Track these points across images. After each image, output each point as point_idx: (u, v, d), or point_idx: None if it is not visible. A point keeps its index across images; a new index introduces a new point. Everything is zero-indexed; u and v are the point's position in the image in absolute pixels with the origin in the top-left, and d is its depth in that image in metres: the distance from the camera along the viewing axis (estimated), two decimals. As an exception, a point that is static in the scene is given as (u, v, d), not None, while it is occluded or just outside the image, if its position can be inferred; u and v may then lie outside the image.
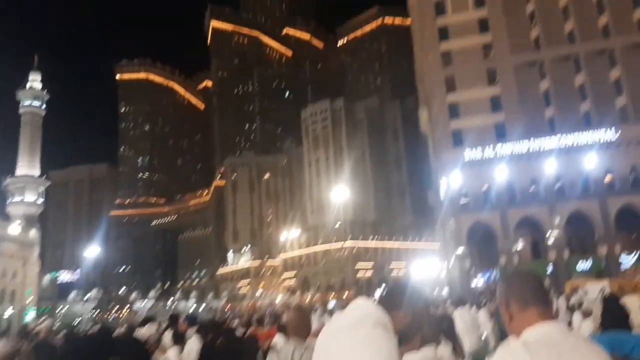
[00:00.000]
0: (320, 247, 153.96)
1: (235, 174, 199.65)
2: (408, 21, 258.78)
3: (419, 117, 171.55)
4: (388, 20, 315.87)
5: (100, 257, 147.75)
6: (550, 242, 57.05)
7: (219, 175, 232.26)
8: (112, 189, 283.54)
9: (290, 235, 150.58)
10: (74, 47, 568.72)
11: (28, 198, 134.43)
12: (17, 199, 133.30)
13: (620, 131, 56.87)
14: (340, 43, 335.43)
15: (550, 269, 56.27)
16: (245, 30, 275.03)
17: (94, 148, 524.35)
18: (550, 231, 55.69)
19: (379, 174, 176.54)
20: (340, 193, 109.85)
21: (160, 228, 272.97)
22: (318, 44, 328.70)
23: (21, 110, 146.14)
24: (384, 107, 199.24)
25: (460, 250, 58.09)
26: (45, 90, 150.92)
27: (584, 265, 55.59)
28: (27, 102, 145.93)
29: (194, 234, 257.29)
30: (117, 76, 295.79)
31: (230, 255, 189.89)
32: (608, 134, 56.83)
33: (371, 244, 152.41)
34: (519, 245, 58.33)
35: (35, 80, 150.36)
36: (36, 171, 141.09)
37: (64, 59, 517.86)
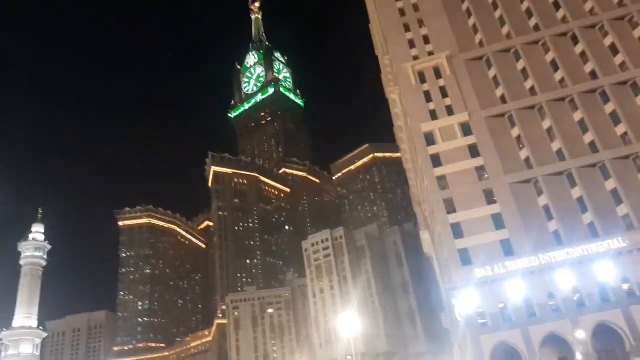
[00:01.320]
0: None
1: (237, 311, 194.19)
2: (397, 154, 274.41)
3: (420, 241, 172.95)
4: (378, 155, 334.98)
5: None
6: (579, 358, 54.58)
7: (221, 314, 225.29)
8: (111, 336, 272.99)
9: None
10: (76, 196, 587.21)
11: (24, 350, 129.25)
12: (12, 351, 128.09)
13: (628, 239, 57.61)
14: (335, 177, 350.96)
15: (585, 388, 53.15)
16: (244, 172, 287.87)
17: (93, 295, 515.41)
18: (578, 347, 53.59)
19: (386, 301, 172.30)
20: (349, 323, 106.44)
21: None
22: (314, 179, 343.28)
23: (22, 262, 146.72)
24: (383, 234, 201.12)
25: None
26: (47, 241, 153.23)
27: (620, 380, 52.67)
28: (28, 253, 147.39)
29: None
30: (120, 223, 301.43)
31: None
32: (616, 243, 57.53)
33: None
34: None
35: (38, 232, 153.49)
36: (33, 322, 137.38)
37: (66, 208, 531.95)
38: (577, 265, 58.04)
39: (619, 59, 72.29)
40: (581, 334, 54.58)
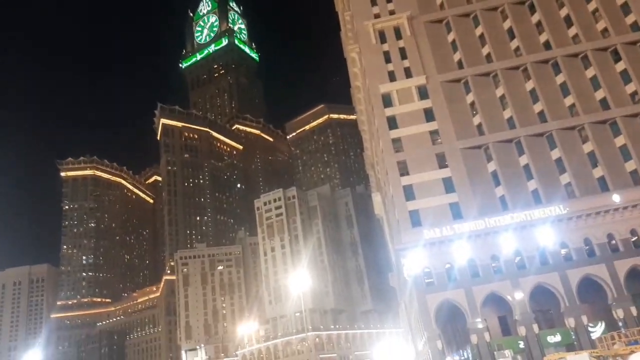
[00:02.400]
0: (280, 340, 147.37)
1: (186, 267, 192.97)
2: (352, 116, 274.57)
3: (370, 204, 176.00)
4: (333, 116, 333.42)
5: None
6: (517, 317, 57.72)
7: (169, 270, 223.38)
8: (54, 291, 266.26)
9: (247, 328, 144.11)
10: (15, 145, 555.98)
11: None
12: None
13: (569, 206, 60.41)
14: (289, 137, 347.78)
15: (522, 344, 56.39)
16: (195, 127, 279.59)
17: (34, 248, 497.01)
18: (517, 306, 56.56)
19: (335, 260, 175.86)
20: (299, 281, 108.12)
21: (106, 330, 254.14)
22: (268, 137, 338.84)
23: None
24: (335, 195, 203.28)
25: (431, 330, 57.50)
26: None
27: (554, 339, 56.15)
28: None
29: (143, 334, 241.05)
30: (62, 174, 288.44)
31: (183, 354, 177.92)
32: (557, 210, 60.23)
33: (333, 333, 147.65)
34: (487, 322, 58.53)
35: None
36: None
37: (6, 156, 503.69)
38: (519, 229, 60.54)
39: (572, 32, 73.91)
40: (520, 295, 57.55)
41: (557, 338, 56.68)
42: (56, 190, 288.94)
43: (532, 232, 59.92)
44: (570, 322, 56.73)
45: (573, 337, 56.54)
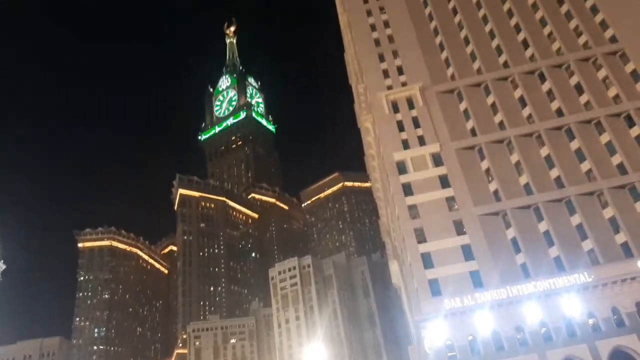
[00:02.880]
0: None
1: (198, 340, 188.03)
2: (366, 184, 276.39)
3: (386, 272, 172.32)
4: (348, 184, 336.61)
5: None
6: (547, 394, 54.30)
7: (181, 343, 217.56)
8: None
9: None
10: (35, 215, 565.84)
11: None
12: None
13: (593, 274, 58.40)
14: (304, 205, 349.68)
15: None
16: (211, 196, 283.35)
17: (47, 320, 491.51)
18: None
19: (352, 332, 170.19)
20: (315, 354, 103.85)
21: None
22: (283, 206, 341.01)
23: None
24: (351, 263, 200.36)
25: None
26: (2, 261, 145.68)
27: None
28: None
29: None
30: (80, 245, 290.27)
31: None
32: (582, 277, 58.19)
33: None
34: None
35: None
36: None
37: (24, 227, 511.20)
38: (543, 298, 58.31)
39: (583, 99, 75.06)
40: (549, 369, 54.42)
41: (593, 417, 52.87)
42: (72, 261, 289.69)
43: (557, 301, 57.59)
44: (605, 398, 53.12)
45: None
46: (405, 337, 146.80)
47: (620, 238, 61.87)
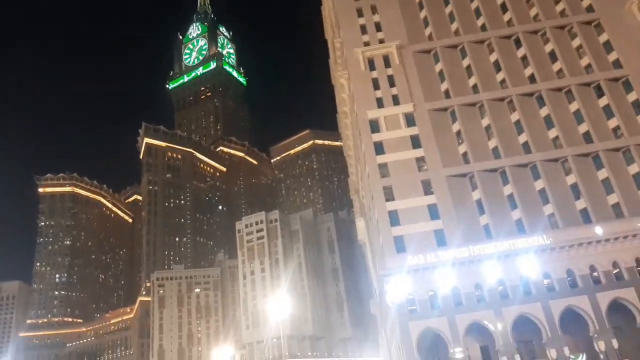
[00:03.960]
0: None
1: (162, 289, 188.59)
2: (337, 143, 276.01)
3: (352, 230, 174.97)
4: (318, 141, 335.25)
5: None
6: (499, 347, 57.15)
7: (145, 291, 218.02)
8: (24, 309, 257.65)
9: (223, 354, 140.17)
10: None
11: None
12: None
13: (552, 237, 60.75)
14: (273, 161, 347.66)
15: (502, 375, 55.73)
16: (179, 147, 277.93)
17: (6, 264, 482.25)
18: (499, 336, 56.06)
19: (316, 286, 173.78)
20: (278, 306, 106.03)
21: (76, 351, 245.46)
22: (252, 161, 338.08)
23: None
24: (318, 220, 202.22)
25: (413, 358, 56.52)
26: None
27: (535, 370, 55.67)
28: None
29: (115, 356, 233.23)
30: (40, 190, 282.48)
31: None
32: (540, 240, 60.50)
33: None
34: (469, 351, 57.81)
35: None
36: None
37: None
38: (503, 258, 60.57)
39: (556, 66, 75.94)
40: (502, 324, 57.11)
41: (539, 370, 56.20)
42: (32, 207, 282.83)
43: (516, 262, 59.96)
44: (552, 353, 56.37)
45: (555, 369, 56.12)
46: (367, 292, 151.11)
47: (581, 204, 64.28)
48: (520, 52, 78.33)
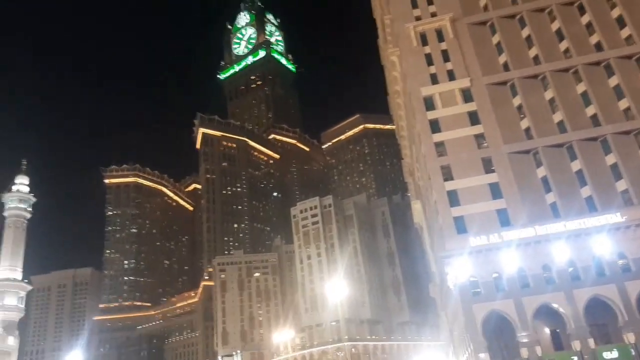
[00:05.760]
0: (316, 349, 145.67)
1: (224, 274, 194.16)
2: (387, 126, 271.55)
3: (407, 214, 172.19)
4: (369, 126, 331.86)
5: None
6: (570, 331, 54.39)
7: (207, 276, 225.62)
8: (96, 294, 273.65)
9: (283, 336, 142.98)
10: (62, 151, 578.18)
11: (8, 302, 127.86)
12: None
13: (626, 214, 56.82)
14: (324, 147, 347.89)
15: (575, 360, 53.01)
16: (233, 136, 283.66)
17: (78, 252, 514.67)
18: (570, 319, 53.35)
19: (372, 270, 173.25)
20: (336, 289, 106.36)
21: (146, 333, 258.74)
22: (303, 147, 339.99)
23: (6, 213, 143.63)
24: (372, 204, 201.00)
25: (478, 342, 54.82)
26: (32, 194, 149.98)
27: (611, 355, 52.44)
28: (12, 205, 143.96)
29: (181, 338, 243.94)
30: (106, 181, 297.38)
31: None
32: (614, 218, 56.73)
33: (370, 344, 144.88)
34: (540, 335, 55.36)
35: (22, 184, 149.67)
36: (18, 275, 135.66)
37: (52, 162, 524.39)
38: (573, 238, 57.24)
39: (625, 32, 70.22)
40: (574, 307, 54.25)
41: (615, 354, 52.77)
42: (100, 197, 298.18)
43: (587, 242, 56.43)
44: (630, 337, 52.67)
45: (633, 353, 52.60)
46: (424, 276, 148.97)
47: (658, 179, 59.59)
48: (585, 19, 72.90)
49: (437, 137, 69.22)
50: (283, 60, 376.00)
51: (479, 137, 68.30)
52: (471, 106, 70.37)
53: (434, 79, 73.69)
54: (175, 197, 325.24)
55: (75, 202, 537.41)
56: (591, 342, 53.45)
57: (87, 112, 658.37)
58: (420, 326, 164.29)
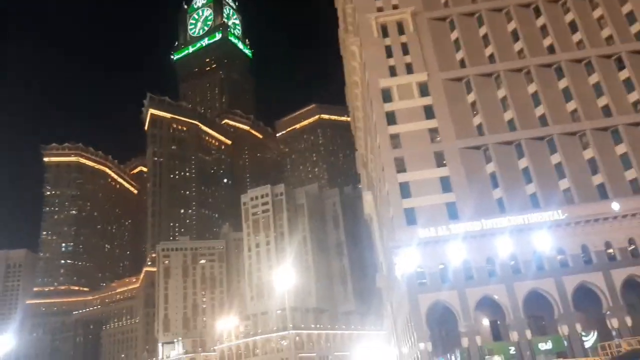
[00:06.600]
0: (260, 337, 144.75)
1: (167, 259, 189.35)
2: (343, 118, 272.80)
3: (357, 205, 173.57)
4: (324, 116, 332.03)
5: (13, 350, 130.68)
6: (509, 322, 56.22)
7: (150, 261, 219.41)
8: (31, 277, 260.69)
9: (227, 324, 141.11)
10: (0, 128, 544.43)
11: None
12: None
13: (567, 212, 59.16)
14: (278, 135, 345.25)
15: (512, 350, 54.83)
16: (184, 119, 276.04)
17: (12, 233, 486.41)
18: (510, 311, 55.09)
19: (320, 259, 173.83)
20: (283, 277, 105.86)
21: (82, 319, 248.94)
22: (257, 134, 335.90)
23: None
24: (323, 194, 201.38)
25: (422, 331, 55.71)
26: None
27: (546, 346, 54.69)
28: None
29: (120, 325, 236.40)
30: (45, 159, 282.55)
31: (160, 347, 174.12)
32: (556, 215, 58.93)
33: (314, 332, 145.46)
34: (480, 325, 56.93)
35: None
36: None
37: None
38: (516, 233, 59.13)
39: (577, 37, 73.04)
40: (514, 299, 56.05)
41: (549, 345, 55.26)
42: (38, 176, 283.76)
43: (529, 236, 58.54)
44: (564, 329, 55.37)
45: (565, 344, 55.19)
46: (371, 267, 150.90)
47: (598, 179, 62.48)
48: (540, 22, 75.33)
49: (393, 129, 69.66)
50: (240, 45, 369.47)
51: (433, 131, 69.24)
52: (427, 100, 71.22)
53: (393, 72, 74.03)
54: (120, 179, 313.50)
55: (11, 180, 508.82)
56: (528, 333, 55.53)
57: (28, 86, 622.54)
58: (365, 316, 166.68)
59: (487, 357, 54.32)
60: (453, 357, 57.12)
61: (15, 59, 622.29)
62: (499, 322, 59.29)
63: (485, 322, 59.79)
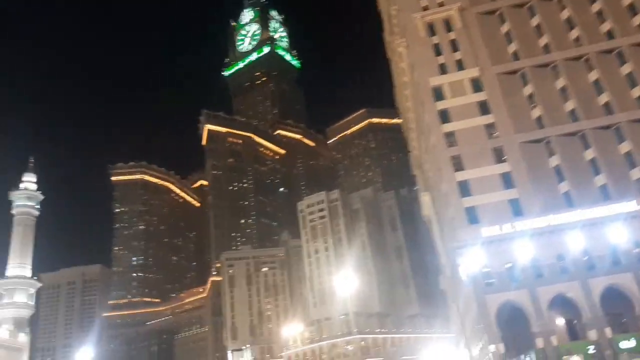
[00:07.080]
0: (326, 342, 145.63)
1: (232, 269, 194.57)
2: (393, 120, 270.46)
3: (414, 207, 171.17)
4: (374, 120, 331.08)
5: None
6: (586, 320, 53.82)
7: (215, 271, 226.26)
8: (105, 290, 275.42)
9: (292, 330, 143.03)
10: (69, 150, 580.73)
11: (18, 299, 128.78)
12: (6, 300, 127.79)
13: (642, 202, 56.10)
14: (330, 142, 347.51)
15: (591, 349, 52.42)
16: (238, 132, 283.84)
17: (86, 249, 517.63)
18: (586, 309, 52.76)
19: (380, 263, 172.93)
20: (345, 282, 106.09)
21: (156, 329, 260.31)
22: (309, 142, 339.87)
23: (14, 211, 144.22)
24: (378, 198, 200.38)
25: (492, 333, 54.38)
26: (40, 192, 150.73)
27: (628, 344, 51.85)
28: (20, 203, 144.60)
29: (191, 333, 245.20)
30: (113, 178, 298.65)
31: (229, 354, 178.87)
32: (630, 206, 56.00)
33: (379, 336, 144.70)
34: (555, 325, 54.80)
35: (29, 182, 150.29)
36: (27, 272, 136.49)
37: (59, 160, 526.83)
38: (587, 227, 56.49)
39: (636, 20, 69.23)
40: (590, 297, 53.66)
41: (632, 343, 52.21)
42: (108, 194, 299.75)
43: (602, 230, 55.68)
44: (648, 326, 52.36)
45: (650, 342, 52.09)
46: (432, 269, 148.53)
47: (673, 165, 58.79)
48: (595, 7, 71.88)
49: (447, 128, 68.61)
50: (287, 56, 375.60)
51: (490, 127, 67.62)
52: (481, 96, 69.65)
53: (443, 69, 73.04)
54: (182, 194, 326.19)
55: (82, 199, 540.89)
56: (608, 331, 52.88)
57: (94, 110, 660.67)
58: (430, 318, 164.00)
59: (564, 357, 52.20)
60: (528, 359, 55.26)
61: (77, 81, 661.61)
62: (575, 321, 56.82)
63: (560, 321, 57.41)
